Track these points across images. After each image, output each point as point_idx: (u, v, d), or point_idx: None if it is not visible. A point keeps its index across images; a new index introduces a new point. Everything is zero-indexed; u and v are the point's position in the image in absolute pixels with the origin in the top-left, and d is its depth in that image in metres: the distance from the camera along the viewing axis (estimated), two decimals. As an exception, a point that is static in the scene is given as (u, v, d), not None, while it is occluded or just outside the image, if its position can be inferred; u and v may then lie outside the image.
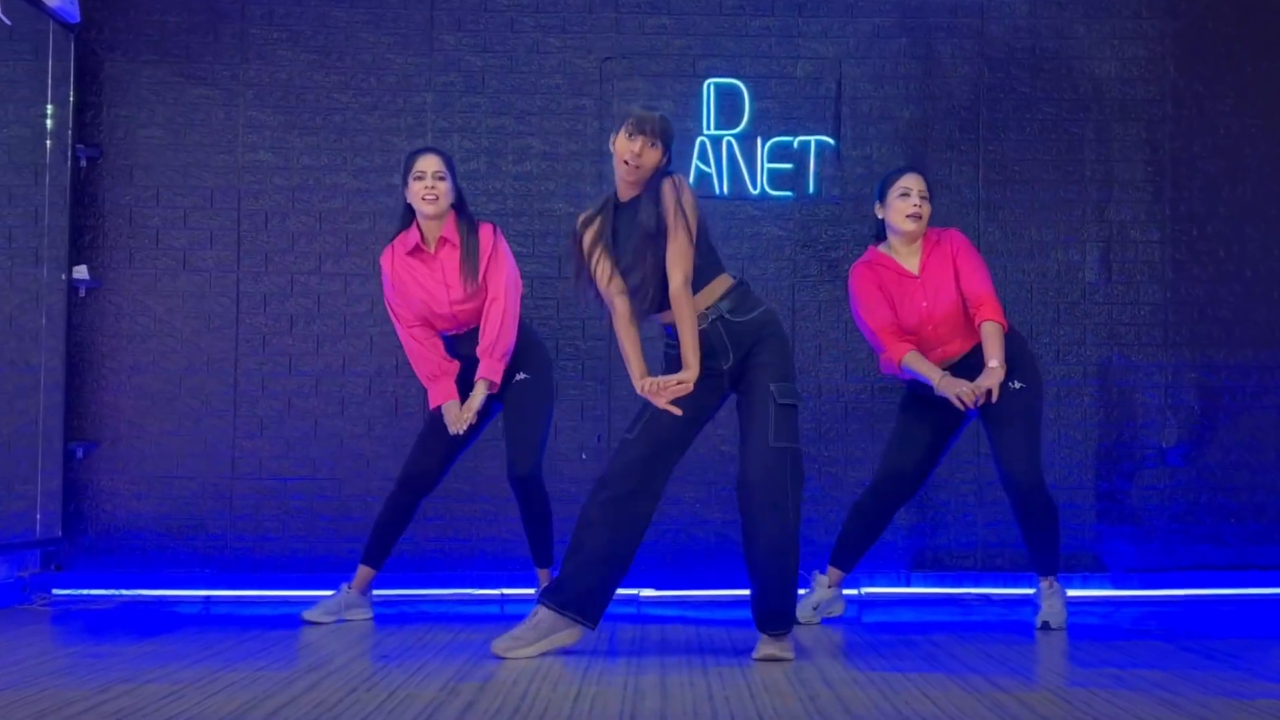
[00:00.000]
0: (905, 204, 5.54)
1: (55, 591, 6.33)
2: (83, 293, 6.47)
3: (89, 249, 6.49)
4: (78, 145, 6.46)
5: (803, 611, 5.58)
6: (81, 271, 6.44)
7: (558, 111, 6.56)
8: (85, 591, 6.33)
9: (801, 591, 5.71)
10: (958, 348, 5.53)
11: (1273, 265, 6.71)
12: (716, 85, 6.61)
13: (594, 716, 3.74)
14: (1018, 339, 5.59)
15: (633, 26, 6.62)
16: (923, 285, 5.53)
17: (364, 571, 5.64)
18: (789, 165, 6.62)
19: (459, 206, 5.58)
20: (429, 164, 5.50)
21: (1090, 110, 6.70)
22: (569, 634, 4.73)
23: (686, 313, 4.59)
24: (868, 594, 6.44)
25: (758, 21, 6.65)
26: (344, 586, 5.65)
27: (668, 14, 6.64)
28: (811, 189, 6.63)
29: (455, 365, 5.56)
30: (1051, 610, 5.51)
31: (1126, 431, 6.67)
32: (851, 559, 5.77)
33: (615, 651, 4.85)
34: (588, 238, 4.76)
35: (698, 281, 4.65)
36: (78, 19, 6.43)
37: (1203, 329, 6.67)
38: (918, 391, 5.60)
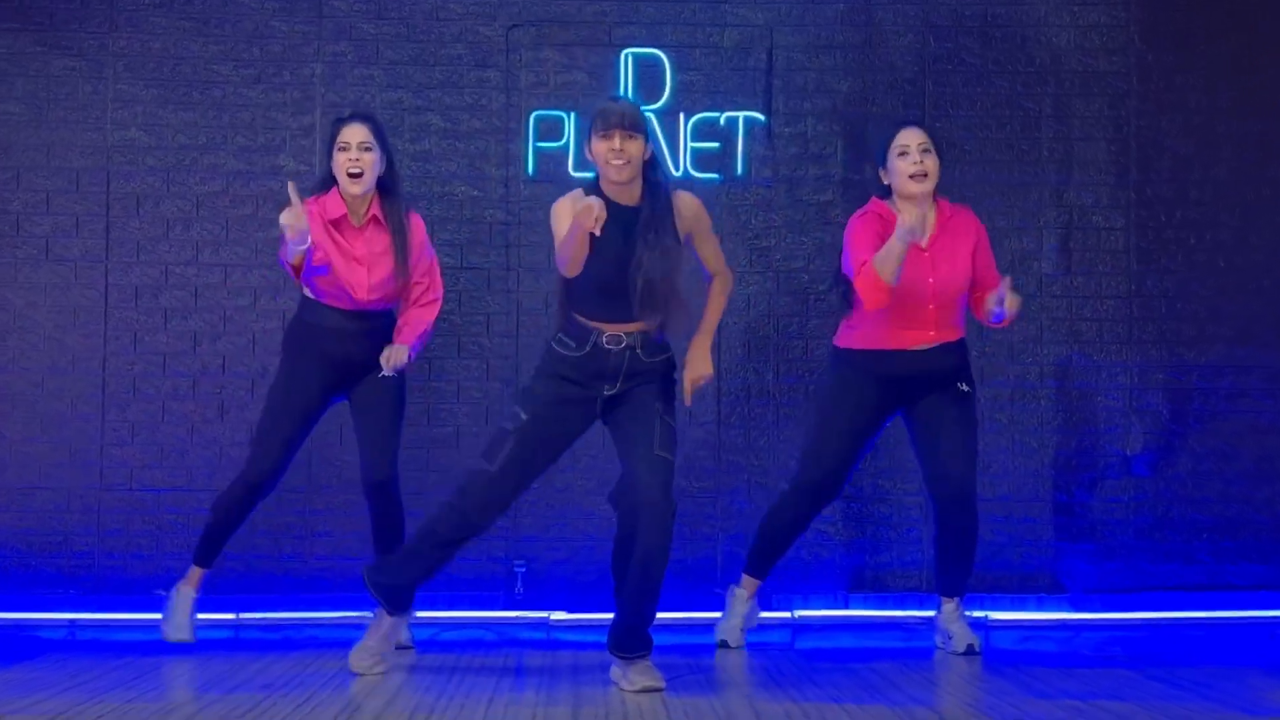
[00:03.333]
0: (905, 163, 5.48)
1: (-100, 616, 6.35)
2: None
3: None
4: None
5: (730, 634, 5.68)
6: None
7: (460, 84, 6.49)
8: None
9: (716, 615, 5.91)
10: (939, 335, 5.49)
11: (1248, 255, 6.69)
12: (635, 56, 6.54)
13: (501, 750, 3.85)
14: (965, 344, 5.67)
15: None
16: (931, 259, 5.49)
17: (198, 572, 5.64)
18: (715, 144, 6.56)
19: (389, 182, 5.50)
20: (354, 134, 5.39)
21: (1047, 84, 6.69)
22: (392, 621, 5.03)
23: (722, 303, 5.10)
24: (802, 617, 6.38)
25: None
26: (178, 586, 5.63)
27: None
28: (740, 170, 6.58)
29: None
30: (969, 634, 5.58)
31: (1087, 438, 6.65)
32: (767, 566, 5.78)
33: (523, 680, 4.89)
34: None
35: (655, 306, 4.84)
36: None
37: (1171, 325, 6.65)
38: (844, 382, 5.61)
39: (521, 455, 4.81)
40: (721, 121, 6.54)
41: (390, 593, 4.94)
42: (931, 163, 5.50)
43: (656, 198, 4.80)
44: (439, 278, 5.59)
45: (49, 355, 6.40)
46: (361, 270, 5.38)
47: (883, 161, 5.58)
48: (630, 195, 4.78)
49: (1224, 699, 4.53)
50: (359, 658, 4.91)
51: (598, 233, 4.57)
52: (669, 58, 6.50)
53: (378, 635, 4.97)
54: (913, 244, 5.42)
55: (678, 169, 6.51)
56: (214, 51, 6.47)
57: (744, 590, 5.72)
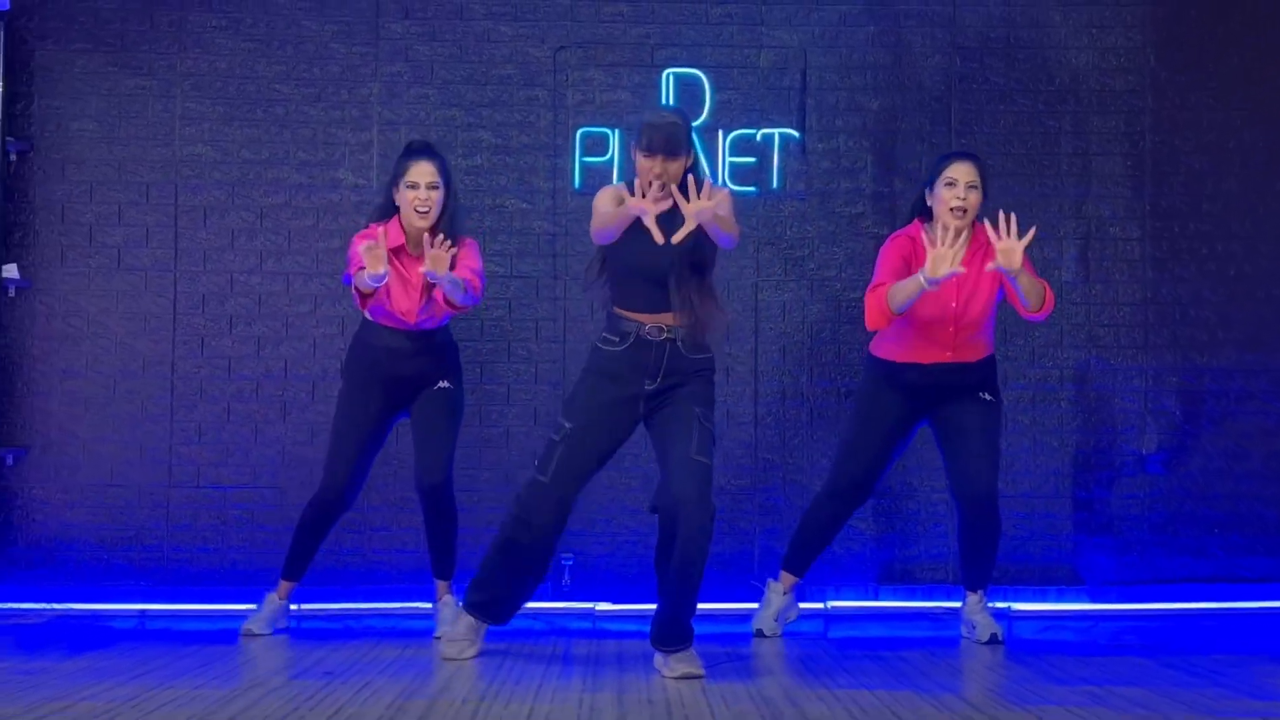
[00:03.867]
0: (950, 195, 5.45)
1: (-16, 605, 6.33)
2: (12, 293, 6.44)
3: (18, 247, 6.46)
4: (7, 138, 6.42)
5: (765, 623, 5.70)
6: (11, 270, 6.40)
7: (510, 103, 6.52)
8: (15, 605, 6.27)
9: (754, 606, 5.94)
10: (956, 356, 5.52)
11: (1258, 264, 6.68)
12: (676, 75, 6.57)
13: (548, 736, 3.83)
14: (994, 361, 5.66)
15: (588, 14, 6.59)
16: (958, 287, 5.46)
17: (286, 585, 5.73)
18: (752, 159, 6.58)
19: (449, 214, 5.51)
20: (423, 173, 5.43)
21: (1067, 102, 6.67)
22: (483, 628, 5.12)
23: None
24: (834, 608, 6.38)
25: (719, 8, 6.62)
26: (269, 595, 5.73)
27: (625, 1, 6.62)
28: (775, 184, 6.59)
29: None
30: (992, 624, 5.59)
31: (1105, 438, 6.64)
32: (805, 563, 5.80)
33: (570, 667, 4.88)
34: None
35: (688, 298, 4.86)
36: (7, 5, 6.40)
37: (1185, 330, 6.65)
38: (874, 389, 5.65)
39: (571, 463, 4.86)
40: (758, 138, 6.54)
41: (487, 609, 5.03)
42: (975, 198, 5.44)
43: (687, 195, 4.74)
44: (479, 284, 5.50)
45: (120, 359, 6.42)
46: (414, 294, 5.43)
47: (931, 185, 5.53)
48: (667, 200, 4.77)
49: (1234, 685, 4.55)
50: (451, 648, 5.01)
51: (636, 213, 4.65)
52: (708, 77, 6.50)
53: (463, 626, 5.05)
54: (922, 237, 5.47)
55: (716, 183, 6.23)
56: (276, 71, 6.48)
57: (781, 585, 5.76)
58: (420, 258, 5.40)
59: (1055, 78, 6.62)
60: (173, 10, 6.47)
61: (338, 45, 6.52)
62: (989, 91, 6.57)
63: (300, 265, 6.39)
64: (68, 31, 6.46)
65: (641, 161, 4.78)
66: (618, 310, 4.90)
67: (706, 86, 6.52)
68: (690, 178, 4.68)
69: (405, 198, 5.42)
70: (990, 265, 5.29)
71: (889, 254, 5.51)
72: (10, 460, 6.35)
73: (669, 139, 4.74)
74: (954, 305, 5.44)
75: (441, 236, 5.31)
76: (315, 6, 6.50)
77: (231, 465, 6.43)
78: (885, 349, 5.58)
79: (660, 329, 4.83)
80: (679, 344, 4.83)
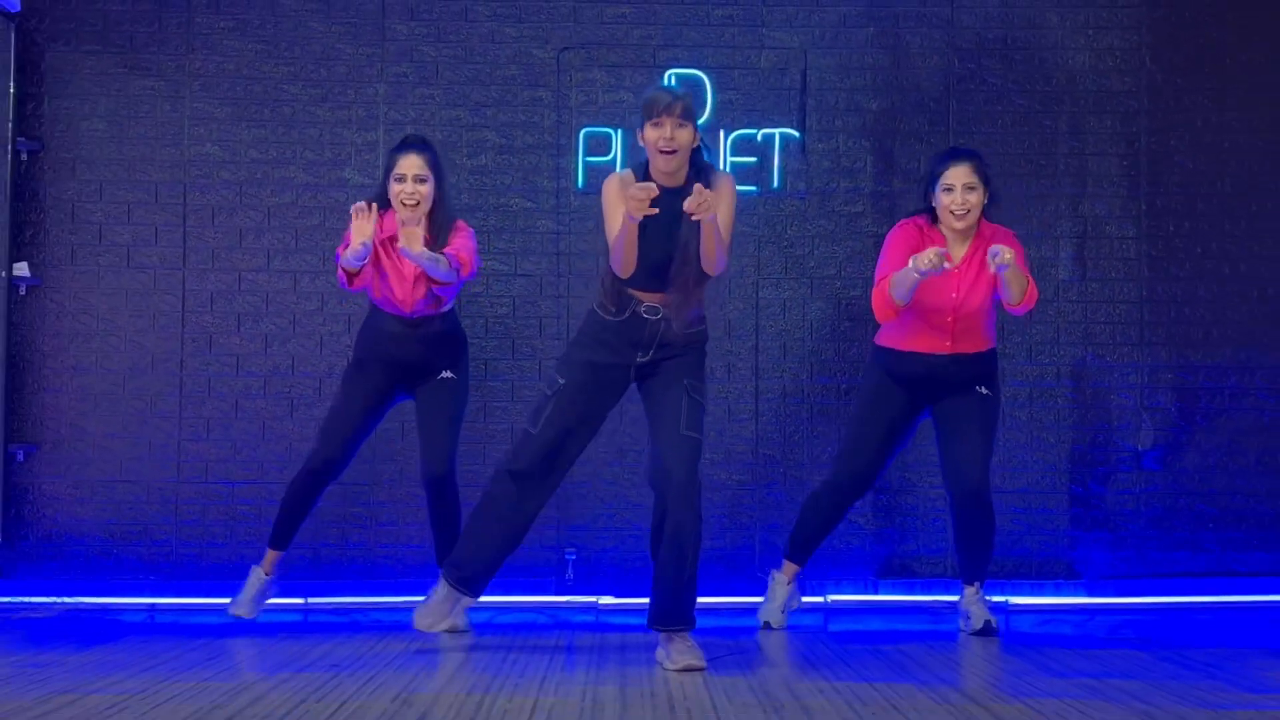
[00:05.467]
0: (949, 199, 5.49)
1: (-6, 599, 6.33)
2: (23, 291, 6.45)
3: (29, 245, 6.47)
4: (18, 138, 6.44)
5: (772, 615, 5.74)
6: (22, 269, 6.42)
7: (514, 103, 6.53)
8: (26, 599, 6.29)
9: (755, 599, 5.99)
10: (955, 346, 5.52)
11: (1252, 264, 6.70)
12: (678, 76, 6.55)
13: (552, 729, 3.82)
14: (994, 355, 5.66)
15: (591, 15, 6.59)
16: (959, 277, 5.49)
17: (272, 555, 5.74)
18: (753, 159, 6.60)
19: (439, 204, 5.54)
20: (410, 165, 5.46)
21: (1064, 103, 6.68)
22: (461, 603, 5.16)
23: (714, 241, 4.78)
24: (834, 602, 6.40)
25: (720, 10, 6.63)
26: (254, 569, 5.75)
27: (627, 3, 6.62)
28: (776, 183, 6.61)
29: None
30: (986, 613, 5.61)
31: (1101, 434, 6.65)
32: (807, 552, 5.82)
33: (573, 662, 4.86)
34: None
35: (685, 283, 4.84)
36: (18, 7, 6.41)
37: (1180, 328, 6.66)
38: (878, 381, 5.66)
39: (560, 418, 4.89)
40: (759, 138, 6.55)
41: (465, 576, 5.03)
42: (975, 199, 5.46)
43: (701, 180, 4.72)
44: (469, 260, 5.47)
45: (129, 357, 6.43)
46: (407, 286, 5.46)
47: (932, 188, 5.55)
48: (677, 178, 4.80)
49: (1229, 678, 4.55)
50: (425, 619, 5.04)
51: (637, 217, 4.60)
52: (710, 78, 6.50)
53: (438, 597, 5.06)
54: (929, 231, 5.52)
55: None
56: (284, 73, 6.49)
57: (783, 575, 5.77)
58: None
59: (1052, 78, 6.63)
60: (181, 12, 6.48)
61: (344, 46, 6.53)
62: (987, 92, 6.58)
63: (307, 264, 6.40)
64: (78, 33, 6.47)
65: (650, 133, 4.75)
66: (617, 282, 4.89)
67: (708, 87, 6.52)
68: (698, 186, 4.62)
69: (394, 190, 5.46)
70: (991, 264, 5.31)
71: (895, 243, 5.52)
72: (21, 456, 6.36)
73: (676, 103, 4.72)
74: (954, 296, 5.46)
75: (418, 215, 5.40)
76: (322, 8, 6.52)
77: (239, 461, 6.43)
78: (888, 337, 5.60)
79: (656, 308, 4.84)
80: (672, 322, 4.84)
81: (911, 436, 5.76)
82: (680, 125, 4.73)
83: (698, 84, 6.51)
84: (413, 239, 5.26)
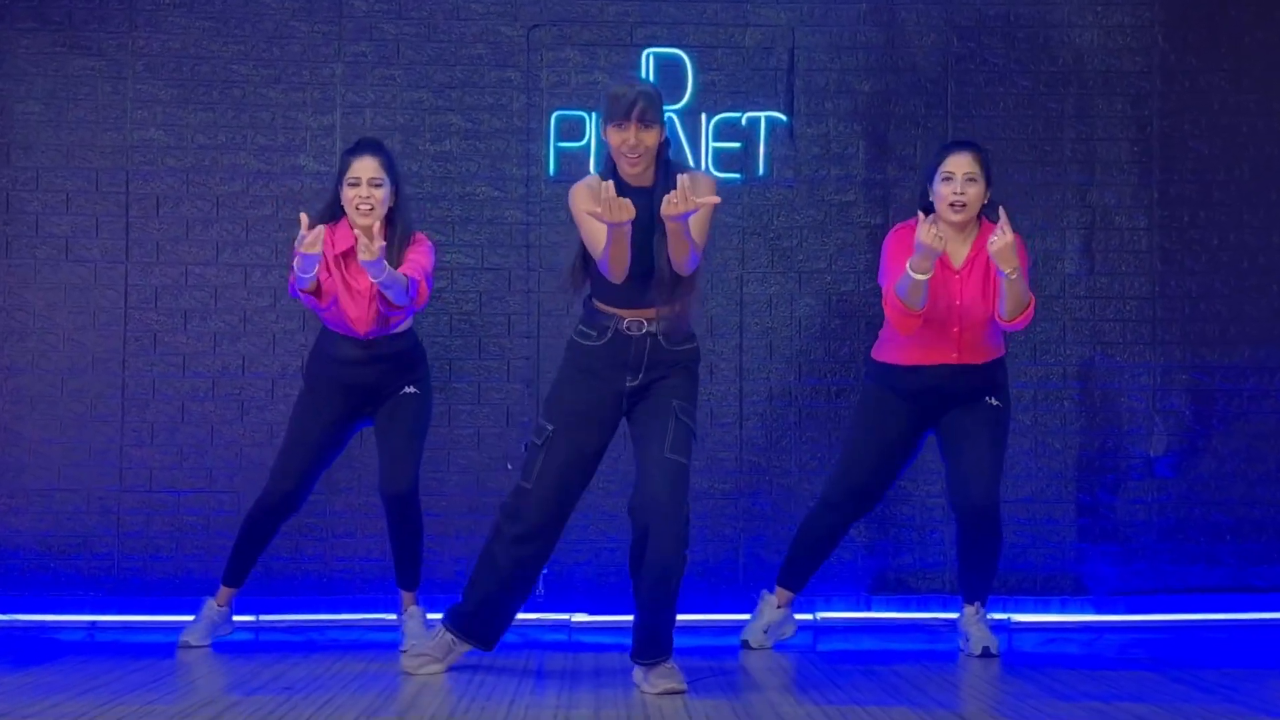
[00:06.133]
0: (947, 190, 5.50)
1: (-81, 617, 6.42)
2: None
3: None
4: None
5: (753, 635, 5.72)
6: None
7: (480, 85, 6.52)
8: None
9: (740, 617, 6.01)
10: (961, 358, 5.51)
11: (1272, 256, 6.73)
12: (656, 56, 6.56)
13: (521, 755, 3.93)
14: (1003, 364, 5.65)
15: None
16: (961, 281, 5.50)
17: (226, 591, 5.74)
18: (737, 144, 6.59)
19: (396, 213, 5.56)
20: (364, 169, 5.45)
21: (1070, 84, 6.70)
22: (466, 648, 5.07)
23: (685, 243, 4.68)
24: (824, 619, 6.41)
25: None
26: (208, 602, 5.74)
27: None
28: (761, 170, 6.61)
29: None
30: (986, 636, 5.60)
31: (1110, 439, 6.66)
32: (801, 579, 5.80)
33: (544, 682, 4.93)
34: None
35: (667, 291, 4.78)
36: None
37: (1194, 326, 6.67)
38: (877, 395, 5.66)
39: (555, 467, 4.83)
40: (743, 122, 6.56)
41: (469, 627, 4.99)
42: (974, 191, 5.49)
43: (670, 179, 4.69)
44: (426, 289, 5.52)
45: (68, 356, 6.44)
46: (363, 302, 5.45)
47: (930, 180, 5.59)
48: (645, 177, 4.76)
49: (1247, 701, 4.54)
50: (413, 661, 4.99)
51: (617, 222, 4.56)
52: (691, 58, 6.52)
53: (437, 642, 5.02)
54: (946, 267, 5.51)
55: (699, 168, 6.42)
56: (234, 51, 6.51)
57: (775, 599, 5.76)
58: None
59: (1058, 58, 6.64)
60: None
61: (299, 23, 6.54)
62: (987, 73, 6.59)
63: (259, 256, 6.39)
64: (12, 9, 6.47)
65: (613, 135, 4.69)
66: (596, 303, 4.85)
67: (689, 67, 6.53)
68: (680, 177, 4.58)
69: (347, 196, 5.46)
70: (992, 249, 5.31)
71: (890, 250, 5.55)
72: None
73: (640, 105, 4.65)
74: (958, 303, 5.47)
75: (377, 226, 5.38)
76: None
77: (186, 468, 6.46)
78: (887, 352, 5.61)
79: (640, 323, 4.77)
80: (660, 338, 4.77)
81: (916, 454, 5.76)
82: (645, 128, 4.66)
83: (677, 64, 6.57)
84: (369, 251, 5.24)
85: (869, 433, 5.65)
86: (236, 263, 6.47)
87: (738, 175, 6.55)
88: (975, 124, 6.46)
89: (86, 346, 6.44)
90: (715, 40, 6.55)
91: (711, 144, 6.54)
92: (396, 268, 5.44)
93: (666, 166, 4.76)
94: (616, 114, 4.67)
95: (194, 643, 5.58)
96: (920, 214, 5.57)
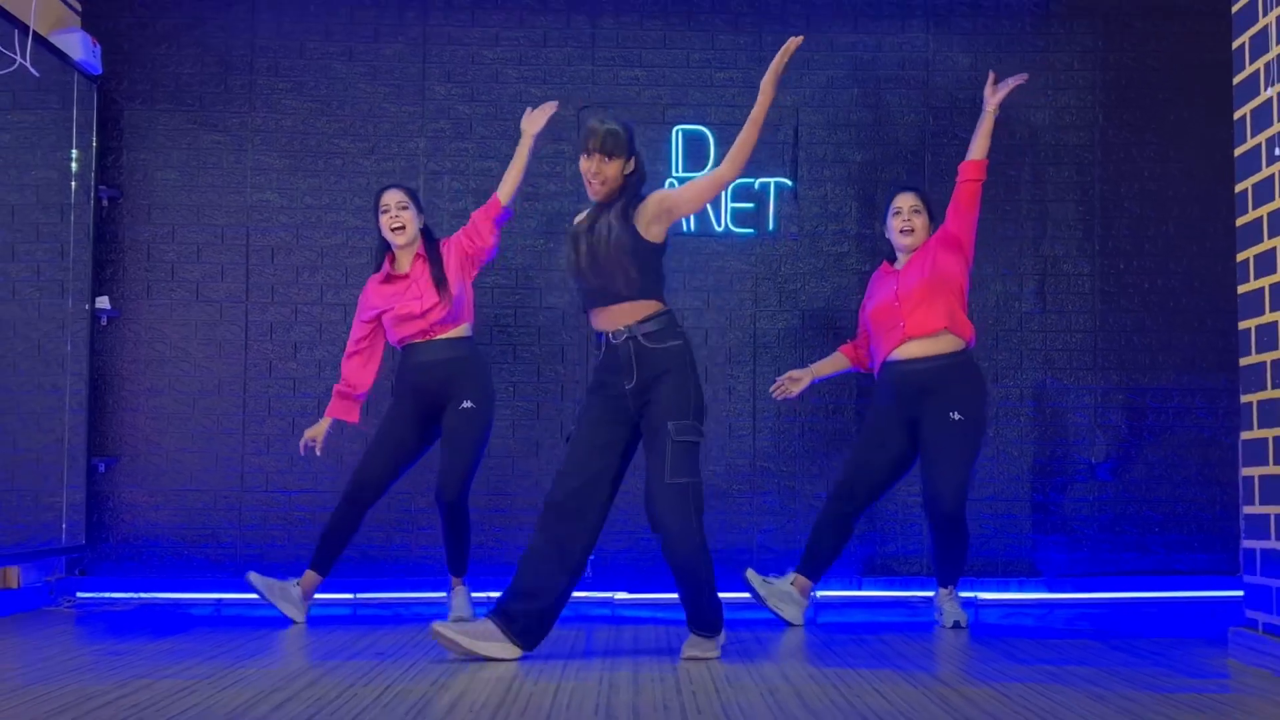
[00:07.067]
0: (897, 221, 5.66)
1: (79, 594, 6.49)
2: (104, 321, 6.65)
3: (110, 281, 6.68)
4: (100, 186, 6.65)
5: (782, 583, 5.74)
6: (103, 302, 6.64)
7: (539, 155, 6.48)
8: (107, 594, 6.49)
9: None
10: (913, 329, 5.54)
11: (1192, 298, 6.81)
12: (684, 131, 6.75)
13: (572, 707, 3.83)
14: (974, 368, 5.67)
15: (607, 78, 6.79)
16: (899, 276, 5.67)
17: (311, 577, 5.73)
18: (751, 204, 6.75)
19: (428, 234, 5.77)
20: (391, 198, 5.70)
21: (1026, 155, 6.81)
22: (502, 648, 4.71)
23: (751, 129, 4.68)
24: (823, 597, 6.49)
25: (722, 74, 6.80)
26: (292, 581, 5.73)
27: (640, 66, 6.79)
28: (771, 226, 6.74)
29: (364, 393, 5.81)
30: (957, 612, 5.63)
31: (1059, 448, 6.75)
32: (818, 568, 5.79)
33: (591, 650, 4.94)
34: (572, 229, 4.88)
35: (632, 295, 4.69)
36: (100, 71, 6.60)
37: (1129, 355, 6.78)
38: (874, 399, 5.76)
39: (580, 461, 4.71)
40: (756, 186, 6.70)
41: (510, 616, 4.72)
42: (920, 221, 5.62)
43: (623, 197, 4.69)
44: (491, 224, 5.67)
45: (199, 380, 6.59)
46: (415, 303, 5.62)
47: (885, 219, 5.74)
48: (610, 195, 4.76)
49: (1173, 664, 4.65)
50: (448, 631, 4.70)
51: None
52: (712, 133, 6.66)
53: (482, 629, 4.72)
54: (891, 271, 5.68)
55: (720, 225, 6.67)
56: (335, 128, 6.68)
57: (794, 586, 5.73)
58: (409, 275, 5.66)
59: (1016, 133, 6.76)
60: (244, 75, 6.70)
61: (389, 105, 6.72)
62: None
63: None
64: (153, 94, 6.67)
65: (582, 162, 4.71)
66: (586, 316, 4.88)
67: (710, 141, 6.69)
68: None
69: (382, 223, 5.68)
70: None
71: (866, 292, 5.77)
72: (102, 468, 6.57)
73: (603, 139, 4.64)
74: (895, 288, 5.66)
75: (417, 244, 5.57)
76: (369, 71, 6.74)
77: (295, 472, 6.57)
78: (873, 356, 5.79)
79: (620, 331, 4.71)
80: (640, 339, 4.67)
81: (911, 463, 5.69)
82: (604, 160, 4.66)
83: (701, 138, 6.66)
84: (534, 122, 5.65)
85: (867, 432, 5.74)
86: (337, 302, 6.60)
87: (752, 230, 6.67)
88: (948, 188, 6.14)
89: (213, 372, 6.59)
90: (732, 119, 6.54)
91: (730, 204, 6.68)
92: (445, 278, 5.62)
93: (625, 188, 4.71)
94: (583, 146, 4.71)
95: (290, 614, 5.67)
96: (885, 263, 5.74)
